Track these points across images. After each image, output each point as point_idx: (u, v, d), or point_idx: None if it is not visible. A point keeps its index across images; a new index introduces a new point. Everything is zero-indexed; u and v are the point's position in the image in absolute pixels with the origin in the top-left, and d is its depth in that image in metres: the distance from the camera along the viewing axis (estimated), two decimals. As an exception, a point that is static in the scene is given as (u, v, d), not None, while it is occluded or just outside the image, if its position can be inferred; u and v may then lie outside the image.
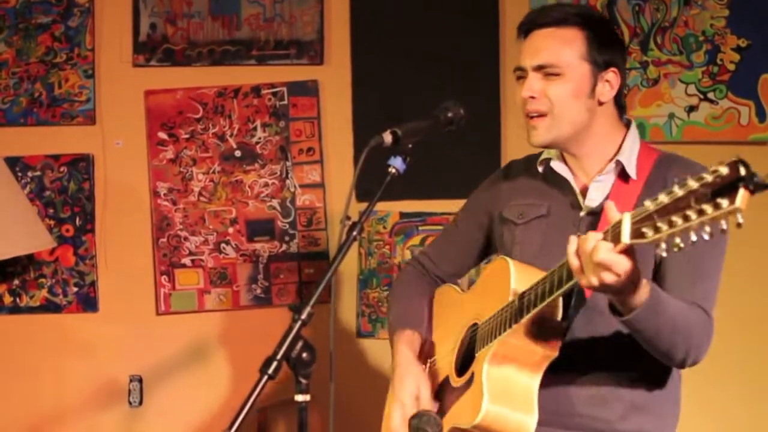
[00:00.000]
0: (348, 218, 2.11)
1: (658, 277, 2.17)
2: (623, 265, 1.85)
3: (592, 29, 2.25)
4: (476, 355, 2.23)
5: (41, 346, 3.72)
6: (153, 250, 3.74)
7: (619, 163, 2.25)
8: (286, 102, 3.74)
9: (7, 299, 3.73)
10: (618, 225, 1.80)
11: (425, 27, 3.71)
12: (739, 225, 1.58)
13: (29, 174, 3.73)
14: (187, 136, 3.74)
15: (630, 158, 2.26)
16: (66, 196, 3.74)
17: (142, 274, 3.74)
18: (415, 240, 3.72)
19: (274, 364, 1.88)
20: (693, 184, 1.63)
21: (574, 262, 1.91)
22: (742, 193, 1.56)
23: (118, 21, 3.74)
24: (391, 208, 3.71)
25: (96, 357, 3.73)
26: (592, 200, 2.25)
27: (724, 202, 1.58)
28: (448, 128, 2.28)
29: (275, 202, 3.75)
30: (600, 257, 1.83)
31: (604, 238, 1.84)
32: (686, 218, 1.63)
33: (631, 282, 1.90)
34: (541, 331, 2.13)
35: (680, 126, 3.64)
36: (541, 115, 2.25)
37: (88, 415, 3.72)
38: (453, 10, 3.70)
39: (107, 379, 3.72)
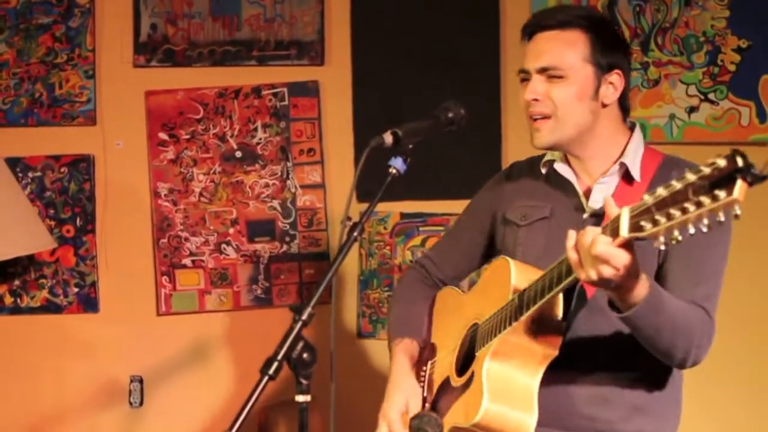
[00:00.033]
0: (349, 219, 2.11)
1: (660, 278, 2.17)
2: (622, 258, 1.85)
3: (595, 31, 2.25)
4: (476, 354, 2.23)
5: (42, 346, 3.72)
6: (153, 250, 3.74)
7: (623, 165, 2.26)
8: (286, 102, 3.74)
9: (8, 300, 3.73)
10: (617, 219, 1.80)
11: (425, 27, 3.71)
12: (736, 216, 1.58)
13: (30, 174, 3.73)
14: (187, 136, 3.75)
15: (634, 160, 2.26)
16: (66, 196, 3.74)
17: (143, 274, 3.74)
18: (416, 240, 3.72)
19: (275, 364, 1.88)
20: (691, 177, 1.63)
21: (572, 256, 1.91)
22: (739, 185, 1.56)
23: (119, 21, 3.74)
24: (392, 209, 3.71)
25: (96, 357, 3.73)
26: (596, 202, 2.25)
27: (721, 194, 1.58)
28: (449, 128, 2.28)
29: (276, 203, 3.75)
30: (598, 250, 1.83)
31: (603, 233, 1.85)
32: (684, 210, 1.63)
33: (630, 277, 1.90)
34: (541, 329, 2.13)
35: (681, 127, 3.64)
36: (545, 117, 2.25)
37: (88, 416, 3.72)
38: (453, 10, 3.70)
39: (108, 379, 3.72)
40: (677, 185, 1.65)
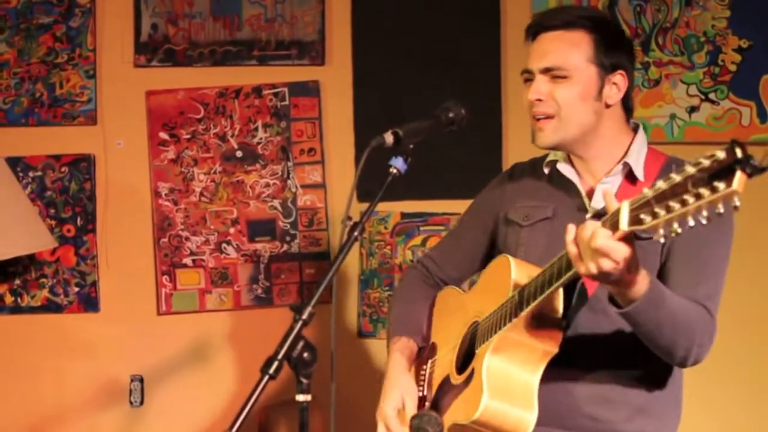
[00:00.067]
0: (349, 218, 2.11)
1: (661, 277, 2.17)
2: (622, 252, 1.84)
3: (599, 32, 2.25)
4: (476, 351, 2.23)
5: (42, 346, 3.72)
6: (154, 250, 3.74)
7: (626, 165, 2.26)
8: (287, 102, 3.75)
9: (9, 299, 3.73)
10: (616, 213, 1.80)
11: (426, 27, 3.71)
12: (736, 208, 1.58)
13: (30, 174, 3.73)
14: (188, 136, 3.75)
15: (638, 160, 2.26)
16: (67, 196, 3.74)
17: (143, 274, 3.74)
18: (417, 240, 3.72)
19: (275, 364, 1.88)
20: (690, 169, 1.63)
21: (572, 250, 1.91)
22: (738, 176, 1.56)
23: (120, 21, 3.74)
24: (393, 209, 3.71)
25: (97, 357, 3.73)
26: (598, 202, 2.25)
27: (720, 185, 1.58)
28: (449, 128, 2.28)
29: (276, 203, 3.75)
30: (598, 243, 1.83)
31: (603, 226, 1.85)
32: (683, 203, 1.63)
33: (630, 271, 1.90)
34: (541, 326, 2.13)
35: (681, 126, 3.64)
36: (548, 117, 2.25)
37: (89, 415, 3.72)
38: (454, 10, 3.70)
39: (108, 379, 3.72)
40: (677, 178, 1.66)
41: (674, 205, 1.65)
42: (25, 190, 3.68)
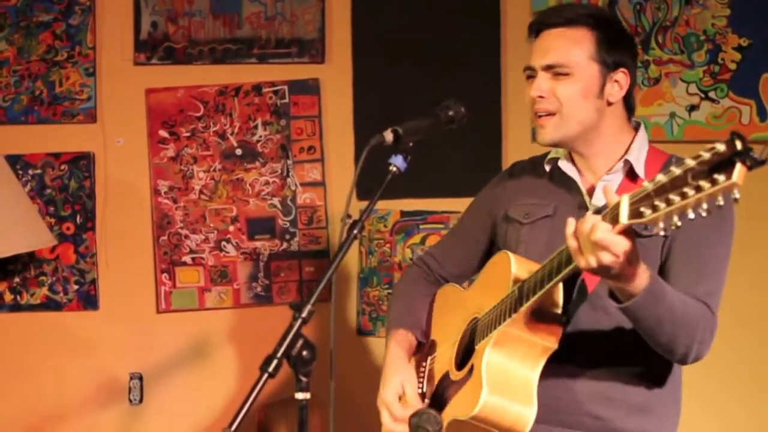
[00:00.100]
0: (349, 216, 2.11)
1: (662, 275, 2.17)
2: (621, 245, 1.84)
3: (602, 30, 2.25)
4: (476, 347, 2.23)
5: (42, 344, 3.72)
6: (153, 248, 3.74)
7: (627, 163, 2.26)
8: (287, 100, 3.74)
9: (8, 297, 3.73)
10: (616, 206, 1.80)
11: (426, 26, 3.71)
12: (735, 200, 1.58)
13: (30, 172, 3.73)
14: (188, 134, 3.75)
15: (639, 157, 2.26)
16: (67, 194, 3.74)
17: (143, 272, 3.74)
18: (416, 238, 3.72)
19: (275, 362, 1.88)
20: (690, 162, 1.64)
21: (572, 243, 1.91)
22: (738, 168, 1.57)
23: (119, 19, 3.74)
24: (392, 207, 3.71)
25: (96, 355, 3.73)
26: (599, 200, 2.25)
27: (720, 178, 1.58)
28: (449, 127, 2.28)
29: (276, 201, 3.75)
30: (597, 236, 1.83)
31: (603, 219, 1.85)
32: (683, 195, 1.63)
33: (631, 265, 1.90)
34: (540, 321, 2.13)
35: (681, 125, 3.64)
36: (550, 114, 2.25)
37: (88, 413, 3.72)
38: (454, 9, 3.70)
39: (108, 376, 3.72)
40: (676, 171, 1.66)
41: (674, 197, 1.65)
42: (25, 188, 3.68)
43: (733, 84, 3.62)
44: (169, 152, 3.74)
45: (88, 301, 3.74)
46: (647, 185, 1.72)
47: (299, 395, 1.92)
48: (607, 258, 1.86)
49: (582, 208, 2.28)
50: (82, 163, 3.73)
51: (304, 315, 1.92)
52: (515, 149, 3.60)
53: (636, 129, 2.32)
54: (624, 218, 1.78)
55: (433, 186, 3.66)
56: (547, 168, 2.38)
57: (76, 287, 3.73)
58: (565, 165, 2.34)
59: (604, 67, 2.25)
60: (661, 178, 1.69)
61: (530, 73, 2.30)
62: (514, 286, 2.14)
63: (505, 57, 3.70)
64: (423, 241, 3.70)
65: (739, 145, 1.57)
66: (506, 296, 2.15)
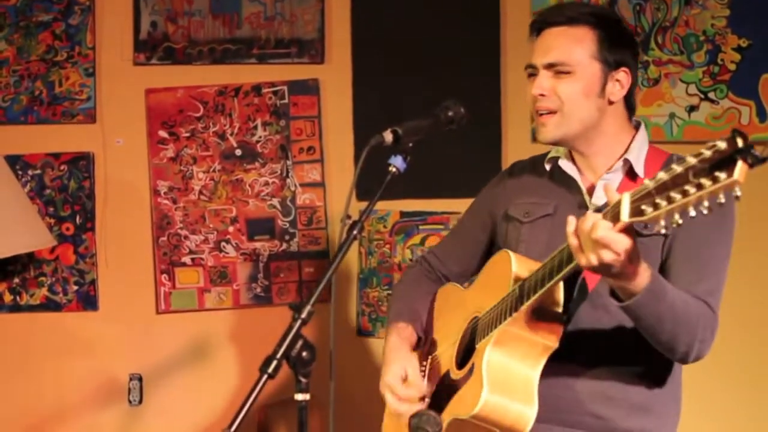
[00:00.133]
0: (348, 217, 2.11)
1: (662, 274, 2.17)
2: (622, 243, 1.84)
3: (603, 29, 2.26)
4: (476, 346, 2.23)
5: (41, 344, 3.72)
6: (153, 248, 3.74)
7: (627, 162, 2.26)
8: (286, 101, 3.74)
9: (8, 297, 3.73)
10: (617, 204, 1.80)
11: (426, 26, 3.71)
12: (737, 198, 1.57)
13: (30, 172, 3.73)
14: (187, 134, 3.74)
15: (638, 157, 2.26)
16: (66, 194, 3.74)
17: (143, 272, 3.74)
18: (416, 239, 3.72)
19: (274, 363, 1.88)
20: (691, 160, 1.63)
21: (573, 242, 1.91)
22: (740, 166, 1.56)
23: (119, 19, 3.74)
24: (392, 207, 3.71)
25: (96, 355, 3.73)
26: (599, 198, 2.25)
27: (722, 175, 1.58)
28: (449, 127, 2.28)
29: (275, 201, 3.75)
30: (598, 234, 1.83)
31: (604, 217, 1.85)
32: (685, 193, 1.63)
33: (632, 263, 1.90)
34: (541, 320, 2.13)
35: (681, 126, 3.64)
36: (551, 112, 2.25)
37: (88, 414, 3.72)
38: (453, 9, 3.70)
39: (107, 377, 3.72)
40: (678, 168, 1.66)
41: (675, 195, 1.65)
42: (24, 188, 3.68)
43: (733, 85, 3.62)
44: (168, 153, 3.74)
45: (88, 301, 3.73)
46: (648, 183, 1.72)
47: (299, 396, 1.92)
48: (608, 256, 1.86)
49: (582, 207, 2.28)
50: (81, 163, 3.73)
51: (303, 316, 1.92)
52: (515, 149, 3.59)
53: (636, 128, 2.33)
54: (625, 216, 1.78)
55: (433, 186, 3.66)
56: (548, 167, 2.38)
57: (75, 288, 3.73)
58: (565, 164, 2.34)
59: (606, 66, 2.25)
60: (663, 175, 1.69)
61: (531, 72, 2.30)
62: (514, 284, 2.14)
63: (505, 57, 3.70)
64: (423, 241, 3.70)
65: (740, 142, 1.57)
66: (507, 295, 2.15)
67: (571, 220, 1.92)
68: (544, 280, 2.04)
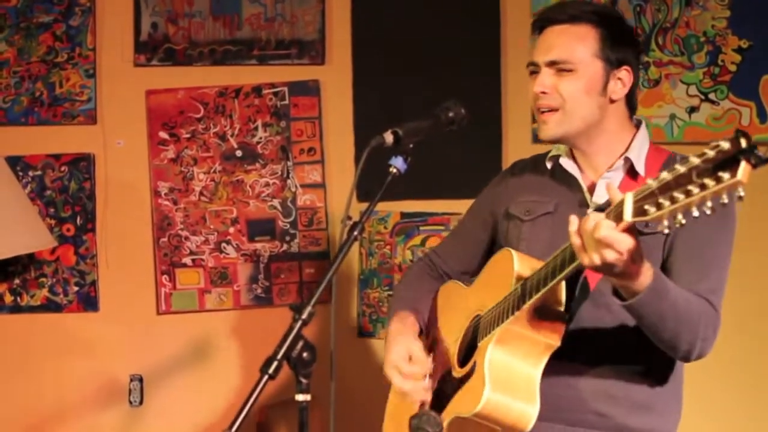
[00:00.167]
0: (349, 218, 2.11)
1: (664, 271, 2.17)
2: (625, 243, 1.84)
3: (606, 27, 2.26)
4: (478, 344, 2.23)
5: (42, 345, 3.72)
6: (154, 249, 3.74)
7: (627, 160, 2.26)
8: (287, 102, 3.74)
9: (8, 298, 3.73)
10: (620, 204, 1.80)
11: (426, 26, 3.71)
12: (740, 198, 1.57)
13: (30, 173, 3.73)
14: (188, 135, 3.75)
15: (639, 155, 2.27)
16: (67, 195, 3.74)
17: (143, 273, 3.74)
18: (416, 240, 3.72)
19: (275, 363, 1.88)
20: (695, 160, 1.64)
21: (575, 241, 1.91)
22: (743, 166, 1.57)
23: (120, 20, 3.74)
24: (392, 208, 3.71)
25: (96, 356, 3.73)
26: (600, 197, 2.26)
27: (725, 176, 1.58)
28: (449, 128, 2.28)
29: (276, 202, 3.75)
30: (601, 234, 1.83)
31: (607, 217, 1.85)
32: (688, 193, 1.63)
33: (634, 262, 1.90)
34: (543, 319, 2.13)
35: (681, 127, 3.64)
36: (552, 110, 2.26)
37: (88, 415, 3.72)
38: (454, 9, 3.70)
39: (108, 378, 3.72)
40: (681, 169, 1.66)
41: (679, 195, 1.65)
42: (25, 189, 3.68)
43: (733, 86, 3.62)
44: (169, 154, 3.74)
45: (89, 302, 3.73)
46: (651, 183, 1.72)
47: (299, 397, 1.92)
48: (610, 256, 1.86)
49: (583, 206, 2.29)
50: (82, 164, 3.73)
51: (304, 316, 1.92)
52: (515, 150, 3.59)
53: (637, 127, 2.33)
54: (628, 216, 1.78)
55: (434, 187, 3.66)
56: (549, 165, 2.38)
57: (76, 289, 3.73)
58: (566, 162, 2.34)
59: (608, 65, 2.25)
60: (666, 175, 1.69)
61: (533, 69, 2.31)
62: (516, 283, 2.14)
63: (505, 57, 3.70)
64: (423, 242, 3.70)
65: (744, 143, 1.57)
66: (509, 294, 2.16)
67: (574, 220, 1.92)
68: (546, 279, 2.04)
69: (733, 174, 1.57)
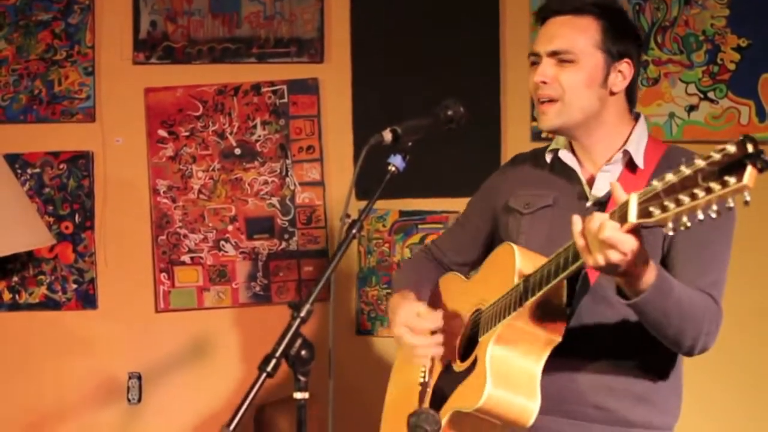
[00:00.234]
0: (347, 216, 2.11)
1: (664, 266, 2.17)
2: (629, 244, 1.85)
3: (608, 19, 2.27)
4: (479, 339, 2.24)
5: (40, 343, 3.72)
6: (152, 247, 3.74)
7: (626, 153, 2.27)
8: (286, 100, 3.74)
9: (7, 296, 3.73)
10: (625, 205, 1.81)
11: (426, 26, 3.71)
12: (746, 203, 1.58)
13: (29, 171, 3.73)
14: (186, 133, 3.74)
15: (638, 148, 2.27)
16: (65, 193, 3.74)
17: (142, 271, 3.74)
18: (415, 238, 3.72)
19: (273, 361, 1.88)
20: (700, 162, 1.64)
21: (579, 242, 1.91)
22: (749, 171, 1.57)
23: (119, 18, 3.74)
24: (391, 207, 3.71)
25: (95, 354, 3.73)
26: (599, 190, 2.26)
27: (731, 180, 1.58)
28: (448, 126, 2.28)
29: (275, 200, 3.75)
30: (606, 235, 1.84)
31: (611, 218, 1.85)
32: (693, 196, 1.63)
33: (639, 263, 1.90)
34: (545, 315, 2.14)
35: (680, 125, 3.64)
36: (552, 100, 2.26)
37: (87, 412, 3.72)
38: (454, 9, 3.70)
39: (106, 376, 3.72)
40: (687, 171, 1.66)
41: (684, 198, 1.65)
42: (24, 187, 3.68)
43: (732, 84, 3.62)
44: (168, 152, 3.74)
45: (87, 300, 3.73)
46: (656, 184, 1.72)
47: (298, 394, 1.92)
48: (615, 256, 1.86)
49: (582, 198, 2.29)
50: (80, 162, 3.73)
51: (302, 314, 1.92)
52: (514, 149, 3.56)
53: (636, 120, 2.33)
54: (633, 217, 1.78)
55: (432, 186, 3.66)
56: (548, 158, 2.38)
57: (74, 286, 3.73)
58: (565, 155, 2.34)
59: (609, 57, 2.26)
60: (671, 177, 1.69)
61: (534, 59, 2.31)
62: (518, 279, 2.15)
63: (505, 56, 3.70)
64: (422, 240, 3.70)
65: (750, 147, 1.57)
66: (511, 289, 2.16)
67: (578, 220, 1.92)
68: (549, 276, 2.05)
69: (740, 178, 1.57)
